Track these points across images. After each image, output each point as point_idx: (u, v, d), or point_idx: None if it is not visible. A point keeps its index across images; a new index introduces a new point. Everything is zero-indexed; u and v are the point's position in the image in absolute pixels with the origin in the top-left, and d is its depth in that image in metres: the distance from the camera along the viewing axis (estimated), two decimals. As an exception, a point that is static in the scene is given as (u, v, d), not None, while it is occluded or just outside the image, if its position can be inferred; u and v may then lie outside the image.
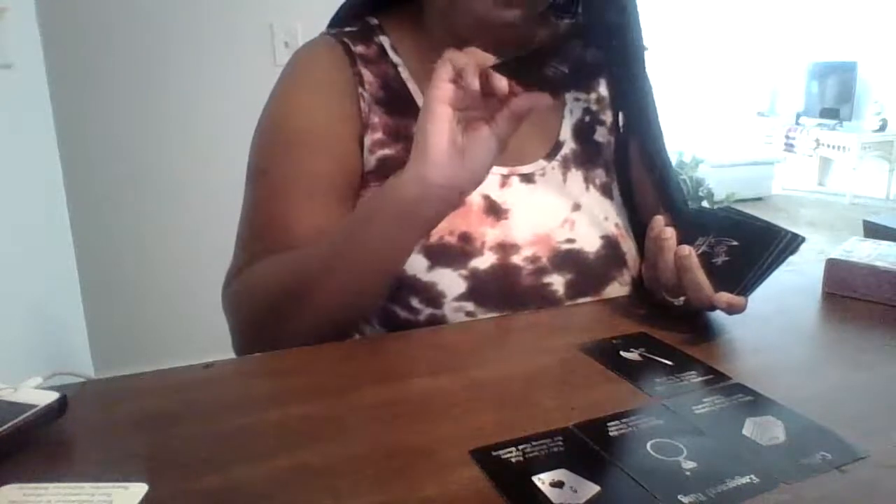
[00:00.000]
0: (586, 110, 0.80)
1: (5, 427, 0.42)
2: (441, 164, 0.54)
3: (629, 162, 0.81)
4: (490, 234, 0.69)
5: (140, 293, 2.23)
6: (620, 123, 0.81)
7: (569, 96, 0.80)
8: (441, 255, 0.67)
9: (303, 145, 0.70)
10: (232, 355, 0.65)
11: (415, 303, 0.67)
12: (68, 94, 2.04)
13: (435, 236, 0.67)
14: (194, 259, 2.13)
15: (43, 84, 2.00)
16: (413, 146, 0.56)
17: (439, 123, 0.54)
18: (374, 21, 0.77)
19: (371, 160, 0.71)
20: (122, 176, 2.14)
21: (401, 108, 0.72)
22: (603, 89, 0.83)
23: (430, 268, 0.67)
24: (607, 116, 0.82)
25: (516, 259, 0.69)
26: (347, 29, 0.76)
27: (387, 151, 0.70)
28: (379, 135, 0.71)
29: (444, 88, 0.54)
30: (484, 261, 0.68)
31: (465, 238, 0.68)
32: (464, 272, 0.67)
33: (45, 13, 1.97)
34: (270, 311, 0.64)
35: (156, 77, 2.11)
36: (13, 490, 0.37)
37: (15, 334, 1.64)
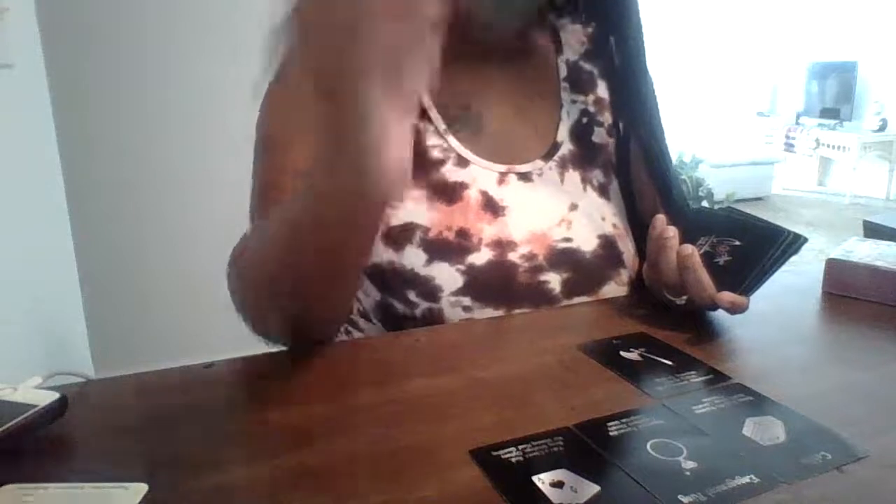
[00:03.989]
0: (584, 112, 0.80)
1: (5, 427, 0.42)
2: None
3: (630, 163, 0.81)
4: (487, 230, 0.70)
5: (140, 293, 2.24)
6: (621, 126, 0.81)
7: (566, 98, 0.80)
8: (439, 250, 0.68)
9: (309, 111, 0.69)
10: (232, 355, 0.65)
11: (412, 296, 0.67)
12: (68, 94, 2.04)
13: (434, 231, 0.68)
14: (194, 259, 2.12)
15: (43, 84, 2.00)
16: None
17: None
18: None
19: None
20: (122, 176, 2.14)
21: None
22: (602, 91, 0.82)
23: (428, 262, 0.67)
24: (606, 118, 0.81)
25: (513, 256, 0.70)
26: None
27: None
28: None
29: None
30: (480, 257, 0.68)
31: (463, 234, 0.69)
32: (461, 267, 0.68)
33: (45, 13, 1.97)
34: (264, 272, 0.58)
35: (156, 77, 2.11)
36: (13, 490, 0.37)
37: (15, 334, 1.64)
